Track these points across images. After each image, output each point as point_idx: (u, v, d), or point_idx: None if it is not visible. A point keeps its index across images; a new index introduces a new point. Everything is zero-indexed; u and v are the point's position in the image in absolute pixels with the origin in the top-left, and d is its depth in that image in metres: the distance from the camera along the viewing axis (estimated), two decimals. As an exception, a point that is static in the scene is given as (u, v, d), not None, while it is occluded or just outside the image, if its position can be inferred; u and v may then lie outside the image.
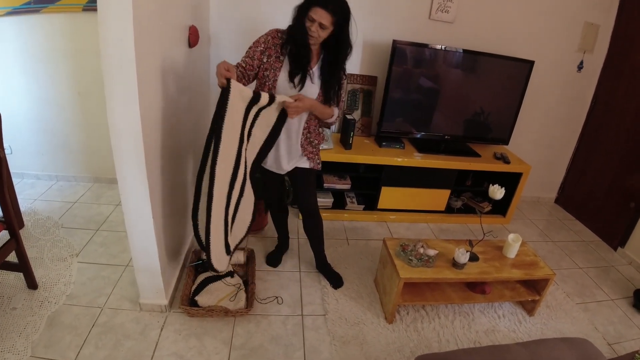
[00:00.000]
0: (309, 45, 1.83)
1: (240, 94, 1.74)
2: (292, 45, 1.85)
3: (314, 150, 2.14)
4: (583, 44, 3.40)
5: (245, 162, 1.99)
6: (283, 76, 1.89)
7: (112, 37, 1.49)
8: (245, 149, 1.96)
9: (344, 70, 1.98)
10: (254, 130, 1.94)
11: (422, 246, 2.25)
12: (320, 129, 2.15)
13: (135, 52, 1.50)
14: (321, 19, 1.72)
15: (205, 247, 1.89)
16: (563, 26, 3.31)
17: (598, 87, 3.61)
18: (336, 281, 2.48)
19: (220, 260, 2.02)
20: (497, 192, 2.21)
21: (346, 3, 1.77)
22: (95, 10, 2.68)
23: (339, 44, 1.84)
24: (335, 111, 2.04)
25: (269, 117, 1.93)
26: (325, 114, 2.01)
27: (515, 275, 2.24)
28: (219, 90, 1.71)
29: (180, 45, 2.15)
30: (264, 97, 1.80)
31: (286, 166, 2.13)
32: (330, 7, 1.70)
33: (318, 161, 2.18)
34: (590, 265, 3.09)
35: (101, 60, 1.52)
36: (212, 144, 1.75)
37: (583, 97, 3.66)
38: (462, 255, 2.16)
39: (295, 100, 1.84)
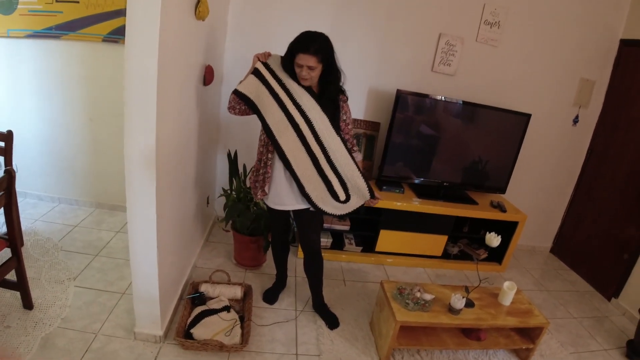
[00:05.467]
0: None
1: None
2: None
3: None
4: (579, 99, 3.55)
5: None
6: None
7: (136, 71, 1.59)
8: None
9: (343, 90, 2.07)
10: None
11: (419, 290, 2.27)
12: None
13: (157, 86, 1.59)
14: (308, 63, 1.84)
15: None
16: (559, 82, 3.47)
17: (593, 140, 3.72)
18: (332, 322, 2.47)
19: (325, 201, 2.09)
20: (493, 239, 2.26)
21: (326, 38, 1.87)
22: (115, 42, 2.91)
23: (332, 72, 1.95)
24: (359, 156, 2.16)
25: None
26: None
27: (510, 323, 2.25)
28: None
29: (196, 83, 2.26)
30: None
31: (290, 204, 2.16)
32: (312, 50, 1.82)
33: None
34: (584, 315, 3.09)
35: (124, 92, 1.61)
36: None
37: (578, 149, 3.78)
38: (459, 301, 2.17)
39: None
